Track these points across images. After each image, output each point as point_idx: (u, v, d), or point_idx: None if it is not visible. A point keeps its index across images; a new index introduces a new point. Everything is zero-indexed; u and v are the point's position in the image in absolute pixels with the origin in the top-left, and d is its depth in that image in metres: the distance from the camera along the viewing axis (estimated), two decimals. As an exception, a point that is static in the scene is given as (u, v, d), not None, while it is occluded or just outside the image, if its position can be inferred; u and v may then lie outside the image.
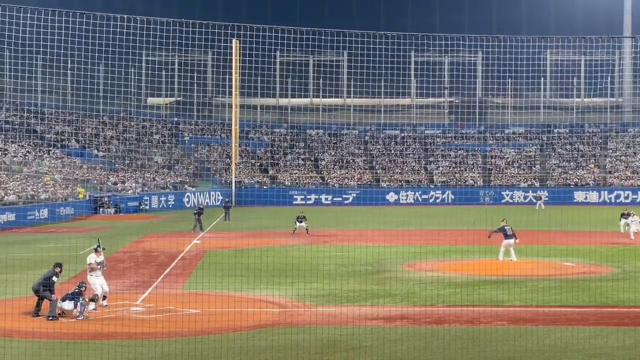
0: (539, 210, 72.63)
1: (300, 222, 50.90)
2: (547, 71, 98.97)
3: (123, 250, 41.40)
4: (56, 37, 37.46)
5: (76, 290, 24.25)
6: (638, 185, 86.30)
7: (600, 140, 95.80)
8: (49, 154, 79.41)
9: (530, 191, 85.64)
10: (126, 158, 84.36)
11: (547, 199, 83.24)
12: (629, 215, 52.41)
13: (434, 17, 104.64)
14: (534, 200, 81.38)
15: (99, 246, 26.23)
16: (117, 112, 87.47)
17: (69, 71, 70.53)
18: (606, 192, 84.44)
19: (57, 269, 24.59)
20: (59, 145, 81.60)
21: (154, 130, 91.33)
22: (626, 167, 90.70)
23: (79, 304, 23.90)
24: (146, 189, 78.46)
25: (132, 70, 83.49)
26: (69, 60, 50.74)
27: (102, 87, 73.38)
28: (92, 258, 25.80)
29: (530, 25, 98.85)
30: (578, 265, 35.41)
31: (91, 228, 55.96)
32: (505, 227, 36.68)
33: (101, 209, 70.51)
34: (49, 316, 23.49)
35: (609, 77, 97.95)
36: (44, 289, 23.93)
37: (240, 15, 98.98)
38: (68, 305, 23.92)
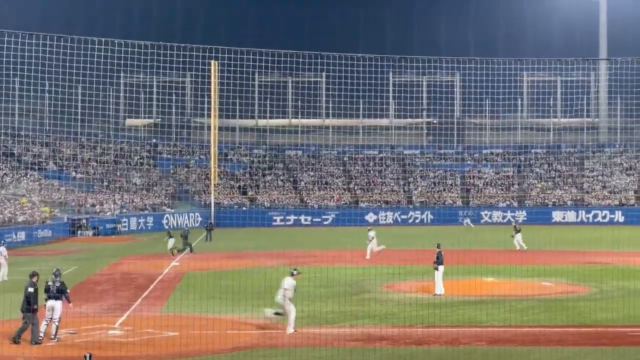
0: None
1: (172, 237, 50.36)
2: (524, 92, 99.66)
3: (101, 273, 41.17)
4: (33, 60, 37.44)
5: (55, 279, 23.87)
6: (615, 205, 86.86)
7: (577, 161, 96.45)
8: (26, 176, 78.97)
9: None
10: (104, 180, 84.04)
11: (525, 219, 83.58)
12: (519, 231, 53.24)
13: (412, 38, 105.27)
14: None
15: (295, 270, 26.08)
16: (96, 134, 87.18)
17: (46, 94, 70.29)
18: (584, 212, 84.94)
19: (34, 279, 24.00)
20: (36, 167, 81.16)
21: (132, 152, 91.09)
22: (603, 187, 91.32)
23: (54, 325, 23.56)
24: (124, 210, 78.12)
25: (110, 93, 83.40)
26: (47, 83, 50.66)
27: (80, 110, 73.12)
28: (288, 283, 25.36)
29: (508, 46, 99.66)
30: (556, 285, 35.56)
31: (69, 251, 55.60)
32: (441, 253, 33.25)
33: (79, 231, 70.14)
34: (32, 341, 23.12)
35: (585, 98, 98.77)
36: (28, 307, 23.37)
37: (218, 36, 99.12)
38: (55, 303, 23.46)
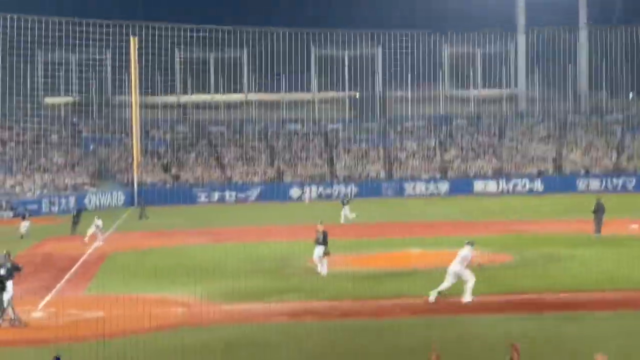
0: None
1: (26, 220, 49.48)
2: (444, 64, 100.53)
3: (22, 255, 40.33)
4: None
5: (9, 264, 23.68)
6: (534, 174, 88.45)
7: (498, 131, 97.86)
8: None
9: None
10: (23, 160, 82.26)
11: (447, 190, 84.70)
12: (346, 204, 53.93)
13: (333, 12, 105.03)
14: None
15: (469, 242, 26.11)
16: (13, 113, 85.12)
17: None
18: (504, 181, 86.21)
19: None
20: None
21: (52, 131, 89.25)
22: (522, 156, 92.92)
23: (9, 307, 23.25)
24: (45, 191, 76.69)
25: (28, 71, 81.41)
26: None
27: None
28: (464, 252, 25.51)
29: (428, 19, 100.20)
30: (479, 255, 36.00)
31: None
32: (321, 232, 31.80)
33: (-2, 213, 68.64)
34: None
35: (505, 69, 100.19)
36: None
37: (137, 12, 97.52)
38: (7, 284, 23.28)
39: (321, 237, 31.35)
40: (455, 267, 25.45)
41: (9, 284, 23.53)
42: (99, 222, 44.95)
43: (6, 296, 23.41)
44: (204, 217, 62.83)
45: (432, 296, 24.94)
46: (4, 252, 25.07)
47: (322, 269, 31.01)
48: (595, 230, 41.49)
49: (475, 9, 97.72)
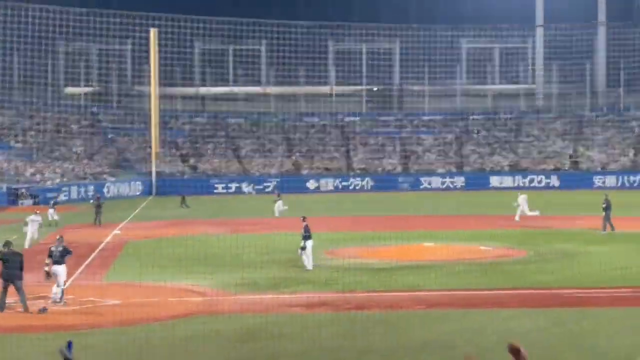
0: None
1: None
2: (462, 59, 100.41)
3: (42, 242, 40.73)
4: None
5: (58, 244, 24.44)
6: (550, 170, 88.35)
7: (514, 126, 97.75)
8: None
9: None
10: (44, 149, 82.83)
11: (463, 184, 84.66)
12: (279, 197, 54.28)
13: (351, 5, 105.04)
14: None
15: None
16: (34, 102, 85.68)
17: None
18: (520, 177, 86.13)
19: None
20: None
21: (72, 120, 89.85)
22: (539, 152, 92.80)
23: (59, 290, 23.80)
24: (65, 179, 77.26)
25: (49, 61, 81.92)
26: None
27: (16, 78, 71.74)
28: None
29: (446, 13, 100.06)
30: (494, 249, 36.19)
31: (8, 220, 54.84)
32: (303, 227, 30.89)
33: (19, 201, 69.17)
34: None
35: (522, 65, 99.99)
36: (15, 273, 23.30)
37: (158, 3, 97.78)
38: (58, 268, 23.87)
39: (303, 231, 30.64)
40: None
41: (61, 268, 24.10)
42: (38, 218, 41.58)
43: (58, 279, 24.05)
44: (221, 208, 63.23)
45: None
46: (58, 236, 25.92)
47: (308, 263, 30.44)
48: (603, 227, 41.33)
49: (493, 4, 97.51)
